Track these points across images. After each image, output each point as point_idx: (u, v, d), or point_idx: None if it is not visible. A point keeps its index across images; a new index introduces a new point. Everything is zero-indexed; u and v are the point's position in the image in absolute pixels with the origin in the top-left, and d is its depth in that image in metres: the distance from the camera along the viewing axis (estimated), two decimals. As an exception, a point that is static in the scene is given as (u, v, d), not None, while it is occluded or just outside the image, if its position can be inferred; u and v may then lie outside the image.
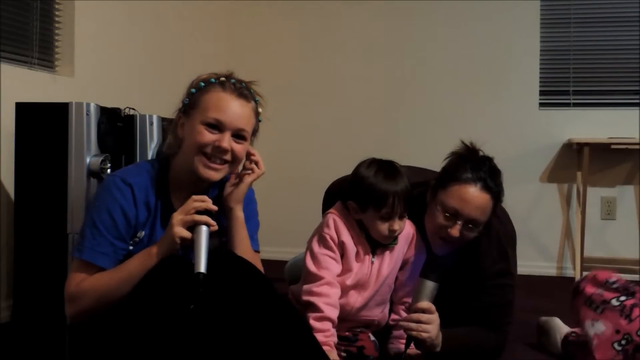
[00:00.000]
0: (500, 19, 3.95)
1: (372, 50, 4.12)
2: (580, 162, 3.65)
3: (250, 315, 1.44)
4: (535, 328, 2.33)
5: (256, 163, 1.71)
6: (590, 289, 1.93)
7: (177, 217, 1.52)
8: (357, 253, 1.93)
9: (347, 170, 2.01)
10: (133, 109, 2.41)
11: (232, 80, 1.64)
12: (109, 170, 2.18)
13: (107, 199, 1.59)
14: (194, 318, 1.40)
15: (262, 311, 1.46)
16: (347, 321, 1.95)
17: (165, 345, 1.40)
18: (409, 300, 1.96)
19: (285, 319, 1.50)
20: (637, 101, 3.80)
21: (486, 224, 1.94)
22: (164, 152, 1.75)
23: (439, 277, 1.82)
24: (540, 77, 3.91)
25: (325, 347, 1.68)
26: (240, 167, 1.71)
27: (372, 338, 1.98)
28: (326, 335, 1.81)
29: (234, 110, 1.61)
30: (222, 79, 1.64)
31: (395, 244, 1.97)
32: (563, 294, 3.34)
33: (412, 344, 1.81)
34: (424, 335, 1.77)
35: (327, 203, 2.18)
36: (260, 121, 1.70)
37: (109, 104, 2.33)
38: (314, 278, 1.88)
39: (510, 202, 2.11)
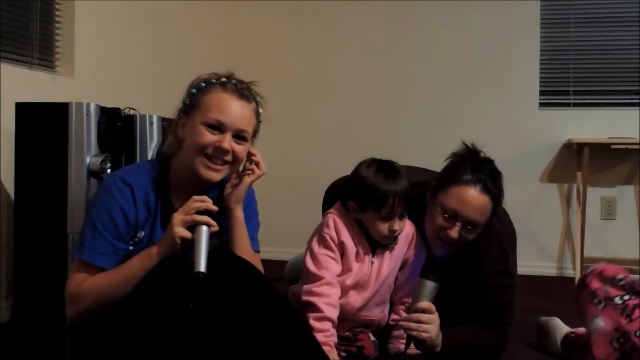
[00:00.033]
0: (500, 19, 3.95)
1: (372, 50, 4.13)
2: (580, 162, 3.66)
3: (250, 315, 1.44)
4: (535, 328, 2.33)
5: (257, 164, 1.72)
6: (595, 284, 1.92)
7: (178, 217, 1.52)
8: (357, 253, 1.93)
9: (347, 170, 2.01)
10: (133, 109, 2.41)
11: (233, 81, 1.64)
12: (109, 170, 2.18)
13: (106, 199, 1.59)
14: (193, 317, 1.40)
15: (262, 311, 1.46)
16: (347, 321, 1.95)
17: (166, 345, 1.40)
18: (409, 300, 1.96)
19: (285, 319, 1.50)
20: (637, 101, 3.80)
21: (486, 224, 1.94)
22: (164, 152, 1.75)
23: (439, 277, 1.82)
24: (540, 77, 3.91)
25: (325, 347, 1.68)
26: (240, 168, 1.71)
27: (372, 338, 1.98)
28: (326, 335, 1.81)
29: (235, 111, 1.61)
30: (223, 79, 1.64)
31: (395, 244, 1.97)
32: (563, 294, 3.36)
33: (412, 344, 1.81)
34: (424, 335, 1.77)
35: (327, 203, 2.18)
36: (260, 122, 1.70)
37: (109, 104, 2.33)
38: (314, 278, 1.88)
39: (510, 202, 2.11)
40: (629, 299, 1.86)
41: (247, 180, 1.70)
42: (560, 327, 2.21)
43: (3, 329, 2.37)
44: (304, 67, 4.22)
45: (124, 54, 3.25)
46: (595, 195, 3.80)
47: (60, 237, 2.16)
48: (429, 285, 1.81)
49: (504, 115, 3.94)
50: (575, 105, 3.90)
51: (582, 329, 2.11)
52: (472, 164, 1.92)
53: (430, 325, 1.78)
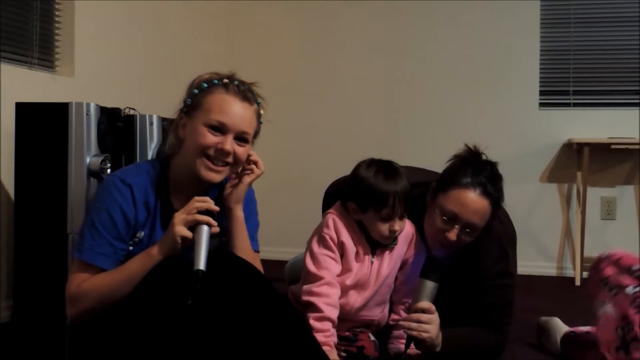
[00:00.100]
0: (500, 19, 3.95)
1: (372, 50, 4.13)
2: (580, 162, 3.66)
3: (250, 315, 1.44)
4: (535, 328, 2.33)
5: (255, 163, 1.72)
6: (610, 271, 1.91)
7: (179, 216, 1.52)
8: (357, 253, 1.93)
9: (347, 170, 2.01)
10: (133, 109, 2.41)
11: (236, 82, 1.64)
12: (109, 170, 2.18)
13: (106, 200, 1.59)
14: (191, 314, 1.40)
15: (262, 311, 1.46)
16: (347, 321, 1.95)
17: (166, 345, 1.40)
18: (409, 300, 1.96)
19: (285, 319, 1.50)
20: (637, 101, 3.80)
21: (486, 225, 1.94)
22: (165, 152, 1.75)
23: (439, 277, 1.82)
24: (540, 77, 3.91)
25: (325, 347, 1.68)
26: (239, 168, 1.71)
27: (372, 338, 1.98)
28: (326, 335, 1.81)
29: (237, 112, 1.61)
30: (225, 80, 1.63)
31: (395, 244, 1.97)
32: (563, 294, 3.36)
33: (412, 344, 1.81)
34: (424, 335, 1.77)
35: (327, 203, 2.18)
36: (261, 123, 1.70)
37: (109, 104, 2.33)
38: (314, 278, 1.88)
39: (510, 202, 2.10)
40: None
41: (247, 179, 1.70)
42: (560, 327, 2.21)
43: (3, 329, 2.37)
44: (304, 67, 4.22)
45: (124, 54, 3.25)
46: (595, 195, 3.80)
47: (60, 237, 2.16)
48: (429, 285, 1.81)
49: (504, 115, 3.94)
50: (575, 105, 3.90)
51: (581, 328, 2.11)
52: (473, 167, 1.91)
53: (430, 325, 1.78)
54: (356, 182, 1.91)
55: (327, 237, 1.91)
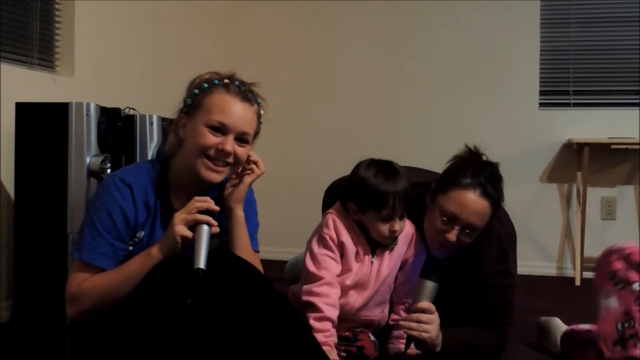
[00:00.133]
0: (500, 19, 3.95)
1: (372, 50, 4.13)
2: (580, 162, 3.66)
3: (249, 315, 1.44)
4: (535, 328, 2.33)
5: (255, 163, 1.72)
6: (618, 265, 1.90)
7: (179, 216, 1.52)
8: (357, 253, 1.93)
9: (347, 170, 2.01)
10: (133, 109, 2.41)
11: (236, 83, 1.64)
12: (109, 170, 2.18)
13: (106, 200, 1.59)
14: (191, 313, 1.40)
15: (262, 311, 1.46)
16: (347, 321, 1.95)
17: (166, 345, 1.40)
18: (409, 300, 1.96)
19: (285, 319, 1.50)
20: (637, 101, 3.80)
21: (486, 225, 1.94)
22: (165, 152, 1.75)
23: (439, 277, 1.82)
24: (540, 77, 3.91)
25: (325, 347, 1.68)
26: (239, 168, 1.71)
27: (372, 338, 1.98)
28: (326, 335, 1.81)
29: (238, 113, 1.61)
30: (226, 80, 1.63)
31: (395, 244, 1.97)
32: (563, 294, 3.36)
33: (412, 344, 1.81)
34: (424, 335, 1.77)
35: (327, 203, 2.18)
36: (261, 123, 1.71)
37: (109, 104, 2.33)
38: (314, 278, 1.88)
39: (510, 202, 2.10)
40: None
41: (247, 179, 1.71)
42: (560, 327, 2.21)
43: (3, 329, 2.37)
44: (304, 67, 4.22)
45: (124, 54, 3.25)
46: (595, 195, 3.80)
47: (60, 237, 2.16)
48: (429, 286, 1.81)
49: (504, 115, 3.94)
50: (575, 105, 3.90)
51: (582, 326, 2.11)
52: (473, 168, 1.91)
53: (430, 325, 1.78)
54: (356, 183, 1.91)
55: (327, 237, 1.91)
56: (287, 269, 2.72)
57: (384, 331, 2.02)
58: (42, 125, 2.21)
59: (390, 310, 2.05)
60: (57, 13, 2.87)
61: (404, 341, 1.84)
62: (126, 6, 3.23)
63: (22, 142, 2.24)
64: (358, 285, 1.93)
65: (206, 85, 1.62)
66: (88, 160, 2.17)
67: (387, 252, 1.96)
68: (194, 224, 1.51)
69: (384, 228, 1.88)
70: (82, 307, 1.56)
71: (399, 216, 1.89)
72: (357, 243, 1.93)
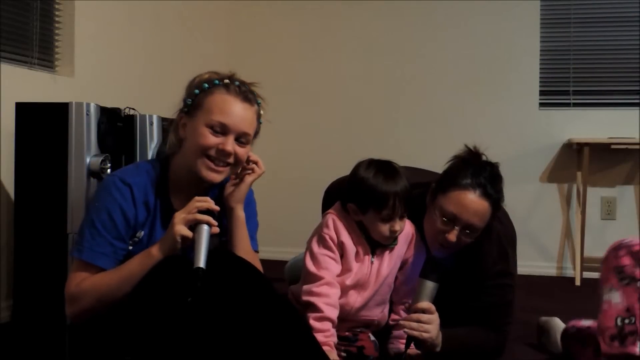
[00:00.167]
0: (500, 19, 3.95)
1: (372, 50, 4.13)
2: (580, 162, 3.66)
3: (250, 315, 1.44)
4: (535, 328, 2.33)
5: (255, 163, 1.72)
6: (626, 260, 1.89)
7: (179, 215, 1.52)
8: (357, 253, 1.93)
9: (347, 170, 2.01)
10: (133, 109, 2.41)
11: (236, 83, 1.64)
12: (109, 170, 2.18)
13: (106, 200, 1.59)
14: (191, 313, 1.40)
15: (262, 311, 1.46)
16: (347, 321, 1.95)
17: (165, 345, 1.40)
18: (409, 300, 1.96)
19: (285, 319, 1.50)
20: (637, 101, 3.80)
21: (486, 225, 1.94)
22: (166, 152, 1.75)
23: (439, 277, 1.82)
24: (540, 77, 3.91)
25: (325, 347, 1.68)
26: (239, 168, 1.71)
27: (372, 338, 1.98)
28: (326, 335, 1.81)
29: (239, 113, 1.61)
30: (226, 81, 1.63)
31: (395, 244, 1.97)
32: (563, 294, 3.36)
33: (412, 344, 1.81)
34: (424, 335, 1.77)
35: (327, 203, 2.18)
36: (260, 123, 1.71)
37: (109, 104, 2.33)
38: (314, 278, 1.88)
39: (510, 202, 2.10)
40: None
41: (248, 179, 1.71)
42: (560, 327, 2.21)
43: (3, 329, 2.37)
44: (304, 67, 4.22)
45: (124, 54, 3.25)
46: (595, 195, 3.80)
47: (60, 237, 2.16)
48: (429, 286, 1.81)
49: (504, 115, 3.94)
50: (575, 105, 3.90)
51: (583, 322, 2.10)
52: (473, 168, 1.91)
53: (430, 325, 1.78)
54: (356, 183, 1.91)
55: (327, 237, 1.91)
56: (287, 269, 2.72)
57: (384, 331, 2.02)
58: (42, 125, 2.21)
59: (390, 310, 2.05)
60: (57, 13, 2.87)
61: (404, 341, 1.84)
62: (126, 6, 3.23)
63: (22, 142, 2.24)
64: (358, 285, 1.93)
65: (206, 85, 1.62)
66: (88, 160, 2.17)
67: (387, 252, 1.96)
68: (194, 223, 1.51)
69: (385, 228, 1.88)
70: (81, 307, 1.56)
71: (399, 216, 1.89)
72: (357, 243, 1.93)
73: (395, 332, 1.98)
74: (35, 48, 2.74)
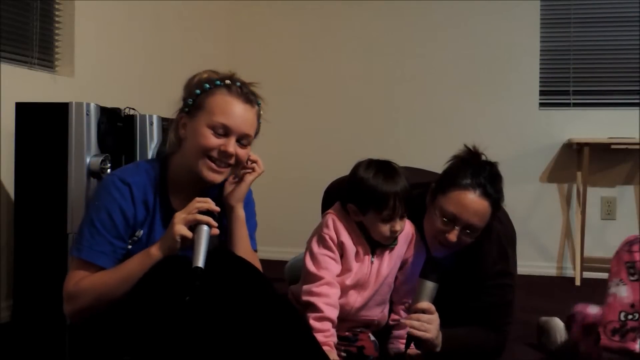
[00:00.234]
0: (500, 19, 3.95)
1: (372, 50, 4.13)
2: (580, 162, 3.66)
3: (249, 315, 1.44)
4: (535, 328, 2.33)
5: (255, 162, 1.72)
6: (638, 256, 1.90)
7: (180, 216, 1.52)
8: (357, 253, 1.93)
9: (347, 170, 2.00)
10: (133, 109, 2.41)
11: (238, 84, 1.64)
12: (109, 170, 2.18)
13: (105, 199, 1.59)
14: (191, 313, 1.40)
15: (262, 311, 1.46)
16: (347, 321, 1.95)
17: (165, 345, 1.40)
18: (409, 300, 1.96)
19: (285, 319, 1.50)
20: (637, 101, 3.80)
21: (486, 225, 1.94)
22: (166, 152, 1.75)
23: (439, 277, 1.82)
24: (540, 77, 3.91)
25: (325, 347, 1.68)
26: (240, 169, 1.71)
27: (372, 338, 1.98)
28: (326, 335, 1.81)
29: (240, 115, 1.61)
30: (228, 81, 1.63)
31: (395, 244, 1.97)
32: (563, 294, 3.36)
33: (412, 344, 1.81)
34: (425, 335, 1.77)
35: (327, 203, 2.18)
36: (259, 122, 1.71)
37: (109, 104, 2.33)
38: (314, 278, 1.88)
39: (510, 202, 2.10)
40: None
41: (248, 178, 1.71)
42: (560, 327, 2.21)
43: (3, 329, 2.37)
44: (304, 67, 4.22)
45: (124, 54, 3.25)
46: (595, 195, 3.80)
47: (60, 237, 2.16)
48: (429, 286, 1.81)
49: (504, 115, 3.94)
50: (575, 105, 3.90)
51: (590, 310, 2.09)
52: (473, 168, 1.91)
53: (430, 325, 1.78)
54: (355, 184, 1.90)
55: (327, 237, 1.91)
56: (287, 269, 2.72)
57: (384, 331, 2.02)
58: (42, 125, 2.21)
59: (390, 310, 2.05)
60: (57, 13, 2.87)
61: (404, 341, 1.84)
62: (126, 6, 3.23)
63: (22, 142, 2.24)
64: (358, 285, 1.93)
65: (208, 85, 1.62)
66: (88, 160, 2.17)
67: (387, 252, 1.96)
68: (194, 224, 1.51)
69: (385, 229, 1.88)
70: (79, 305, 1.56)
71: (400, 216, 1.89)
72: (357, 243, 1.93)
73: (395, 332, 1.98)
74: (35, 48, 2.74)
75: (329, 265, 1.90)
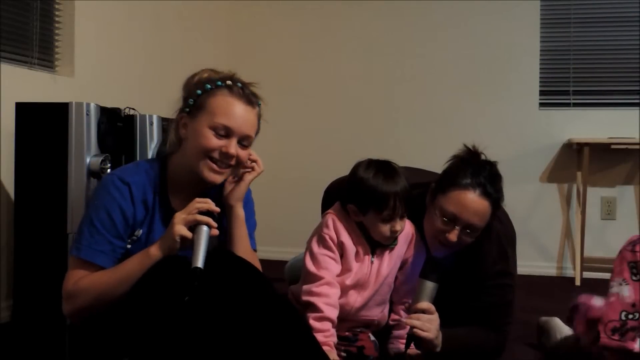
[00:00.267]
0: (500, 19, 3.95)
1: (372, 50, 4.13)
2: (580, 162, 3.66)
3: (249, 315, 1.44)
4: (535, 328, 2.33)
5: (255, 161, 1.72)
6: None
7: (179, 216, 1.52)
8: (357, 253, 1.93)
9: (347, 170, 2.00)
10: (133, 109, 2.41)
11: (239, 84, 1.64)
12: (108, 170, 2.18)
13: (105, 198, 1.59)
14: (190, 313, 1.40)
15: (262, 311, 1.46)
16: (347, 321, 1.95)
17: (165, 345, 1.40)
18: (409, 300, 1.96)
19: (284, 319, 1.50)
20: (637, 101, 3.80)
21: (486, 224, 1.94)
22: (166, 151, 1.75)
23: (439, 277, 1.82)
24: (540, 77, 3.91)
25: (325, 347, 1.68)
26: (240, 169, 1.71)
27: (372, 338, 1.98)
28: (326, 335, 1.80)
29: (242, 116, 1.61)
30: (229, 82, 1.63)
31: (395, 244, 1.97)
32: (563, 294, 3.35)
33: (412, 344, 1.81)
34: (425, 335, 1.77)
35: (326, 203, 2.18)
36: (259, 123, 1.71)
37: (109, 104, 2.33)
38: (314, 278, 1.88)
39: (510, 202, 2.10)
40: None
41: (248, 177, 1.71)
42: (560, 327, 2.21)
43: (3, 329, 2.37)
44: (304, 67, 4.22)
45: (124, 54, 3.25)
46: (595, 195, 3.80)
47: (60, 237, 2.16)
48: (429, 286, 1.81)
49: (504, 115, 3.94)
50: (575, 105, 3.90)
51: (595, 302, 2.08)
52: (472, 167, 1.91)
53: (430, 326, 1.78)
54: (355, 184, 1.90)
55: (327, 237, 1.91)
56: (287, 269, 2.72)
57: (384, 331, 2.02)
58: (42, 125, 2.21)
59: (390, 310, 2.05)
60: (57, 13, 2.87)
61: (404, 341, 1.84)
62: (126, 6, 3.23)
63: (22, 142, 2.24)
64: (358, 285, 1.93)
65: (209, 86, 1.62)
66: (88, 160, 2.17)
67: (387, 252, 1.96)
68: (194, 224, 1.51)
69: (385, 229, 1.88)
70: (78, 305, 1.56)
71: (400, 216, 1.89)
72: (357, 243, 1.93)
73: (395, 332, 1.98)
74: (35, 48, 2.74)
75: (329, 265, 1.90)
